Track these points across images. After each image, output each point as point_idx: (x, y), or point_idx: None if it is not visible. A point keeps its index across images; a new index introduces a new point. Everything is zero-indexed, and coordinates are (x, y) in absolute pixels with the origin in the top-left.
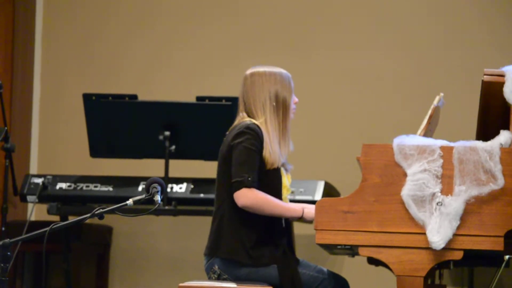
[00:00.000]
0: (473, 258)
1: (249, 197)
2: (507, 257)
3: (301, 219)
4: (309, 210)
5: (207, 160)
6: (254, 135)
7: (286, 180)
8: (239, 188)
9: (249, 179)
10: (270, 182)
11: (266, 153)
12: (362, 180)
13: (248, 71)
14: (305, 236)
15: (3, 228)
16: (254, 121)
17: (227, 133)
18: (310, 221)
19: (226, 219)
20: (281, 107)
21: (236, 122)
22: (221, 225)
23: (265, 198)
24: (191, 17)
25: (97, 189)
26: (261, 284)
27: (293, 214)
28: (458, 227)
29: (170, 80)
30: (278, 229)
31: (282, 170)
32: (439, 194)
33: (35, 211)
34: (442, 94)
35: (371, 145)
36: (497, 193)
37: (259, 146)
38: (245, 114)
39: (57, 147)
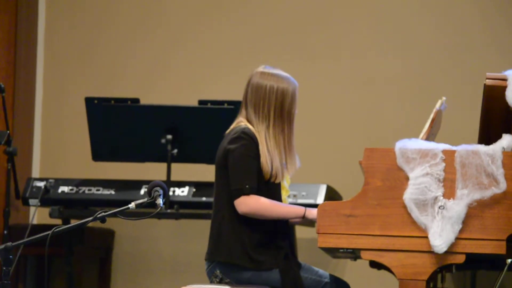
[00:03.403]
0: (475, 261)
1: (248, 204)
2: (509, 260)
3: (303, 219)
4: (311, 210)
5: (209, 163)
6: (249, 140)
7: (284, 181)
8: (238, 196)
9: (247, 186)
10: (272, 195)
11: (263, 161)
12: (364, 183)
13: (256, 71)
14: (307, 239)
15: (5, 232)
16: (249, 125)
17: (225, 134)
18: (311, 222)
19: (226, 223)
20: (286, 120)
21: (232, 126)
22: (221, 229)
23: (265, 203)
24: (193, 21)
25: (99, 192)
26: None
27: (295, 215)
28: (460, 231)
29: (172, 84)
30: (279, 233)
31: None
32: (441, 197)
33: (37, 215)
34: (444, 98)
35: (373, 149)
36: (499, 197)
37: (256, 151)
38: (243, 119)
39: (59, 151)
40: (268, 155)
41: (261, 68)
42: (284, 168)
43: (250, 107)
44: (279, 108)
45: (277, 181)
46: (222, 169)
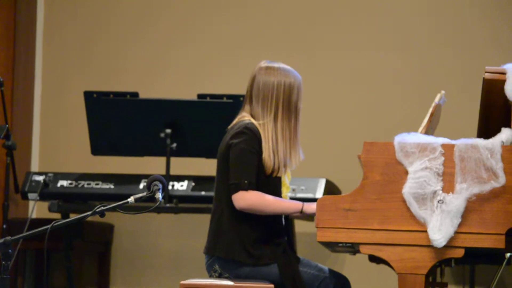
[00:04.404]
0: (474, 256)
1: (246, 199)
2: (508, 255)
3: (301, 214)
4: (309, 204)
5: (208, 157)
6: (252, 136)
7: (285, 177)
8: (236, 191)
9: (245, 181)
10: (272, 189)
11: (266, 156)
12: (363, 178)
13: (259, 66)
14: (306, 234)
15: (4, 226)
16: (253, 121)
17: (228, 129)
18: (310, 216)
19: (225, 218)
20: (293, 113)
21: (236, 120)
22: (220, 224)
23: (263, 198)
24: (192, 15)
25: (98, 186)
26: (262, 282)
27: (293, 210)
28: (459, 225)
29: (171, 78)
30: (278, 227)
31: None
32: (440, 192)
33: (36, 209)
34: (443, 92)
35: (372, 143)
36: (498, 191)
37: (257, 147)
38: (247, 113)
39: (58, 145)
40: (272, 150)
41: (264, 63)
42: (286, 162)
43: (256, 102)
44: (286, 102)
45: (278, 175)
46: (224, 163)
